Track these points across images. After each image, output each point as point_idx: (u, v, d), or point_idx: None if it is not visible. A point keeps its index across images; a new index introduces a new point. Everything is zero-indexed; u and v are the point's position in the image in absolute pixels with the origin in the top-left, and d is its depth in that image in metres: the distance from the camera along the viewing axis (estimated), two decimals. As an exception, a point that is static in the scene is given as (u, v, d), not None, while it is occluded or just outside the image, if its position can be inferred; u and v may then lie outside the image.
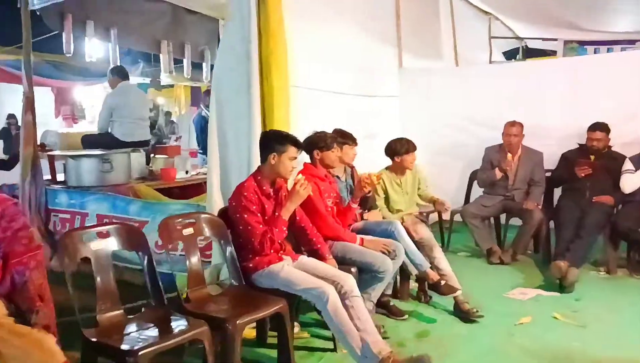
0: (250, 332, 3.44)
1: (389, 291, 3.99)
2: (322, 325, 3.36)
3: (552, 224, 5.18)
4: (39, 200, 5.37)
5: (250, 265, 3.11)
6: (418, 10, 6.72)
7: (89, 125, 9.09)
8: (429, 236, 4.21)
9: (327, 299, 2.92)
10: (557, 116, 5.69)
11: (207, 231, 3.10)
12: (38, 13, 5.68)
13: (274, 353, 3.10)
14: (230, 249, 3.10)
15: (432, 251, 4.14)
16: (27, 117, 5.43)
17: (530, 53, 9.75)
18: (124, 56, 9.86)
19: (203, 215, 3.16)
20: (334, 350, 3.34)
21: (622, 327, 3.72)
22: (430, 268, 4.00)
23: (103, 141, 5.90)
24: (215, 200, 3.94)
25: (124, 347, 2.28)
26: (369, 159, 4.65)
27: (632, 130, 5.30)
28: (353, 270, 3.45)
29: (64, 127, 10.54)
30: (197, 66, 8.01)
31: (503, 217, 5.60)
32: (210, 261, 4.02)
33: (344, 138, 4.04)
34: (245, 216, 3.04)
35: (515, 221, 5.41)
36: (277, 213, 3.13)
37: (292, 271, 3.08)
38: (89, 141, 6.05)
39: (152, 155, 6.32)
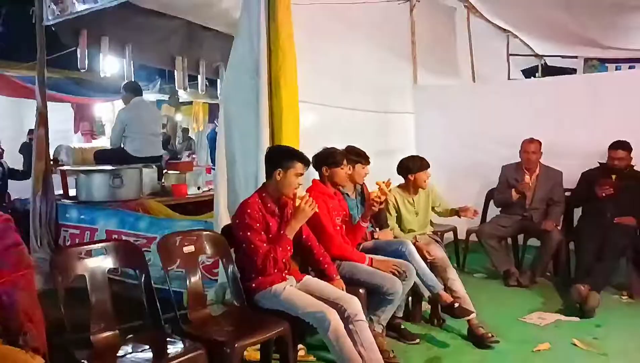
0: (254, 354, 3.32)
1: (400, 314, 3.84)
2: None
3: (572, 245, 4.99)
4: (49, 215, 5.36)
5: (253, 285, 3.00)
6: (433, 27, 6.64)
7: (108, 141, 9.14)
8: (443, 256, 4.06)
9: (329, 324, 2.80)
10: (577, 134, 5.51)
11: (208, 250, 3.01)
12: (53, 29, 5.72)
13: (277, 376, 2.98)
14: (232, 268, 3.00)
15: (446, 272, 3.99)
16: (40, 132, 5.46)
17: (550, 71, 9.55)
18: (141, 72, 9.95)
19: (205, 233, 3.07)
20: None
21: (646, 355, 3.53)
22: (444, 290, 3.85)
23: (115, 156, 5.89)
24: (222, 217, 3.86)
25: (116, 370, 2.19)
26: (382, 177, 4.53)
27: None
28: (361, 291, 3.33)
29: (80, 143, 10.63)
30: (213, 83, 8.02)
31: (521, 238, 5.43)
32: (217, 280, 3.93)
33: (357, 156, 3.94)
34: (249, 234, 2.94)
35: (534, 242, 5.24)
36: (282, 232, 3.02)
37: (294, 292, 2.96)
38: (101, 156, 6.04)
39: (164, 171, 6.30)
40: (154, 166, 6.00)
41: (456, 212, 4.53)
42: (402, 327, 3.83)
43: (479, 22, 7.78)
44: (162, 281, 3.40)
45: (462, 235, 5.54)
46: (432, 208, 4.57)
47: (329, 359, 3.38)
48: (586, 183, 5.01)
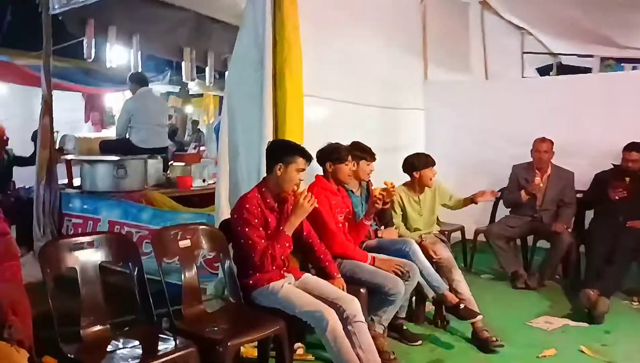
0: (251, 351, 3.26)
1: (403, 314, 3.75)
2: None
3: (582, 248, 4.88)
4: (52, 204, 5.32)
5: (250, 282, 2.93)
6: (446, 22, 6.50)
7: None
8: (449, 256, 3.96)
9: (327, 324, 2.72)
10: (590, 135, 5.37)
11: (205, 244, 2.93)
12: (60, 18, 5.66)
13: (274, 374, 2.91)
14: (228, 263, 2.93)
15: (451, 273, 3.90)
16: (45, 120, 5.40)
17: (565, 70, 9.36)
18: (151, 63, 9.90)
19: (201, 227, 2.99)
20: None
21: (656, 364, 3.42)
22: (449, 290, 3.76)
23: (120, 147, 5.84)
24: (223, 210, 3.78)
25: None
26: (390, 174, 4.42)
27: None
28: (362, 290, 3.24)
29: (90, 132, 10.62)
30: (222, 75, 7.93)
31: (530, 239, 5.31)
32: (218, 274, 3.86)
33: (361, 152, 3.83)
34: (247, 229, 2.86)
35: (543, 244, 5.12)
36: (281, 228, 2.94)
37: (292, 290, 2.88)
38: (106, 146, 5.99)
39: (170, 162, 6.25)
40: (159, 157, 5.92)
41: (471, 200, 4.40)
42: (405, 327, 3.74)
43: (492, 18, 7.64)
44: (164, 274, 3.36)
45: (470, 235, 5.44)
46: (444, 204, 4.46)
47: (328, 359, 3.27)
48: (599, 185, 4.89)
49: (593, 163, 5.11)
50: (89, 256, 2.44)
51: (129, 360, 2.18)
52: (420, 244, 3.89)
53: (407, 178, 4.32)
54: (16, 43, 8.63)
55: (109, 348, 2.32)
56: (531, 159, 5.11)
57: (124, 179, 5.34)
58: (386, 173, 4.40)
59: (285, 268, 3.04)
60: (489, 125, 5.93)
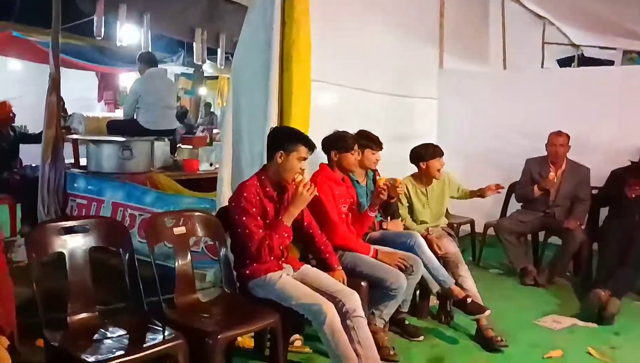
0: (248, 341, 3.19)
1: (406, 308, 3.63)
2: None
3: (595, 246, 4.72)
4: (57, 183, 5.26)
5: (247, 272, 2.84)
6: (464, 9, 6.31)
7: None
8: (455, 251, 3.85)
9: (324, 318, 2.63)
10: (608, 130, 5.21)
11: (200, 231, 2.85)
12: (71, -6, 5.60)
13: (270, 366, 2.83)
14: (224, 252, 2.84)
15: (457, 269, 3.79)
16: (52, 98, 5.33)
17: (586, 63, 9.13)
18: (164, 43, 9.81)
19: (197, 214, 2.90)
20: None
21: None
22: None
23: (127, 127, 5.76)
24: (225, 196, 3.69)
25: (85, 357, 2.04)
26: (400, 164, 4.31)
27: (691, 149, 4.79)
28: (363, 284, 3.15)
29: (103, 112, 10.60)
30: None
31: (542, 235, 5.17)
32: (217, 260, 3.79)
33: (367, 140, 3.70)
34: (244, 218, 2.77)
35: (555, 240, 4.98)
36: (279, 218, 2.84)
37: (290, 282, 2.79)
38: (113, 126, 5.93)
39: (178, 145, 6.18)
40: (166, 140, 5.84)
41: (478, 194, 4.31)
42: (407, 322, 3.64)
43: (514, 6, 7.43)
44: (164, 258, 3.28)
45: (479, 228, 5.31)
46: (452, 196, 4.35)
47: (326, 352, 3.19)
48: (615, 182, 4.72)
49: (610, 159, 4.95)
50: (77, 241, 2.37)
51: (114, 350, 2.11)
52: (425, 237, 3.78)
53: (416, 170, 4.18)
54: (30, 19, 8.59)
55: (96, 336, 2.25)
56: (546, 153, 4.95)
57: (129, 160, 5.27)
58: (396, 163, 4.31)
59: (283, 259, 2.95)
60: (504, 116, 5.77)
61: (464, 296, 3.52)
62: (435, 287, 3.70)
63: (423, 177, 4.11)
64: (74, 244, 2.35)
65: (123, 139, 5.34)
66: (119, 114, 8.78)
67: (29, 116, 7.16)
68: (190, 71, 12.26)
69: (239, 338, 3.02)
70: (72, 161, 5.84)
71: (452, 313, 3.83)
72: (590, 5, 6.68)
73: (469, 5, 6.55)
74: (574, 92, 5.47)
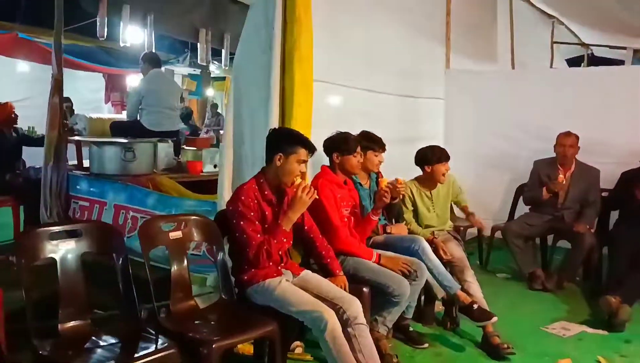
0: (248, 348, 3.11)
1: (410, 315, 3.53)
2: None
3: (605, 250, 4.62)
4: (60, 185, 5.21)
5: (245, 278, 2.76)
6: (471, 8, 6.22)
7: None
8: (461, 256, 3.76)
9: (325, 325, 2.55)
10: (619, 131, 5.09)
11: (197, 236, 2.78)
12: (74, -6, 5.56)
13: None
14: (221, 257, 2.76)
15: (463, 274, 3.70)
16: (54, 99, 5.28)
17: (596, 62, 9.01)
18: (170, 44, 9.77)
19: (193, 217, 2.83)
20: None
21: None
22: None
23: (130, 129, 5.72)
24: (226, 199, 3.60)
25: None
26: (406, 166, 4.22)
27: None
28: (365, 290, 3.06)
29: (110, 113, 10.57)
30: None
31: (550, 239, 5.06)
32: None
33: (369, 142, 3.61)
34: (241, 223, 2.69)
35: (564, 244, 4.87)
36: (277, 222, 2.76)
37: (289, 288, 2.71)
38: (117, 128, 5.88)
39: (182, 146, 6.13)
40: (169, 141, 5.79)
41: (467, 213, 4.31)
42: (411, 328, 3.56)
43: (522, 5, 7.35)
44: (167, 261, 3.22)
45: (486, 231, 5.21)
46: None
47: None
48: (625, 184, 4.61)
49: (620, 161, 4.84)
50: (69, 247, 2.30)
51: (105, 360, 2.04)
52: (431, 242, 3.70)
53: (421, 172, 4.10)
54: (36, 21, 8.57)
55: (87, 345, 2.18)
56: (554, 155, 4.85)
57: (131, 162, 5.21)
58: (401, 165, 4.22)
59: (282, 264, 2.87)
60: (512, 117, 5.67)
61: (470, 302, 3.43)
62: (440, 293, 3.62)
63: (427, 180, 4.02)
64: (66, 249, 2.29)
65: (125, 140, 5.29)
66: (108, 115, 8.77)
67: (37, 117, 7.14)
68: (197, 72, 12.24)
69: (239, 345, 2.95)
70: (76, 162, 5.80)
71: (458, 319, 3.74)
72: (600, 3, 6.58)
73: (476, 3, 6.46)
74: (583, 92, 5.36)
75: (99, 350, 2.15)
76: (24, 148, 5.80)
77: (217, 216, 2.94)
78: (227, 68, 7.27)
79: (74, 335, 2.21)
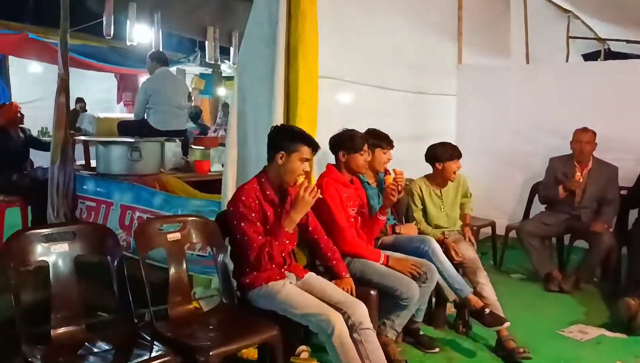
0: (252, 352, 3.01)
1: (420, 318, 3.42)
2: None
3: (624, 250, 4.47)
4: (66, 185, 5.17)
5: (247, 281, 2.66)
6: (484, 2, 6.07)
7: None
8: (473, 257, 3.63)
9: (332, 330, 2.44)
10: (637, 126, 4.92)
11: (197, 238, 2.68)
12: (80, -8, 5.52)
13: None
14: (222, 259, 2.66)
15: (476, 276, 3.57)
16: (61, 99, 5.23)
17: (613, 57, 8.79)
18: (180, 43, 9.72)
19: (192, 218, 2.72)
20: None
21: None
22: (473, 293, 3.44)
23: (138, 128, 5.64)
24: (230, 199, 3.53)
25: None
26: (417, 164, 4.10)
27: None
28: (372, 292, 2.95)
29: (123, 113, 10.56)
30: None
31: (567, 238, 4.91)
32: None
33: (377, 139, 3.49)
34: (242, 224, 2.59)
35: (581, 244, 4.73)
36: (280, 224, 2.65)
37: (293, 292, 2.60)
38: (124, 127, 5.80)
39: (190, 146, 6.06)
40: (177, 140, 5.71)
41: (463, 220, 4.11)
42: (421, 332, 3.43)
43: (537, -1, 7.16)
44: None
45: (501, 231, 5.08)
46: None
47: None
48: (645, 182, 4.45)
49: (639, 158, 4.68)
50: (62, 249, 2.21)
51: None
52: (442, 242, 3.58)
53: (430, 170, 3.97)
54: (45, 21, 8.58)
55: (80, 352, 2.09)
56: (571, 152, 4.70)
57: (138, 162, 5.14)
58: (412, 163, 4.10)
59: (286, 267, 2.77)
60: (527, 113, 5.53)
61: (481, 306, 3.30)
62: (451, 295, 3.49)
63: (438, 178, 3.89)
64: (58, 252, 2.20)
65: (132, 140, 5.22)
66: (116, 114, 8.73)
67: (51, 118, 7.13)
68: (209, 71, 12.19)
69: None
70: (83, 162, 5.76)
71: (471, 322, 3.61)
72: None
73: (490, -3, 6.31)
74: (600, 87, 5.19)
75: (91, 358, 2.06)
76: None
77: (219, 217, 2.84)
78: (235, 66, 7.16)
79: (66, 341, 2.13)
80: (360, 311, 2.59)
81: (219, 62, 7.39)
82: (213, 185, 5.40)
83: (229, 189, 3.56)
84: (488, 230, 5.08)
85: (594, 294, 4.48)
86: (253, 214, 2.60)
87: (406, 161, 3.96)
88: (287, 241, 2.65)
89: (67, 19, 5.23)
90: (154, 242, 2.50)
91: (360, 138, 3.28)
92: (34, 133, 7.65)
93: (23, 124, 5.64)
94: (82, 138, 5.67)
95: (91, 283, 2.43)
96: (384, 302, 3.03)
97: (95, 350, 2.12)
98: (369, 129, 3.53)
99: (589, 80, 5.34)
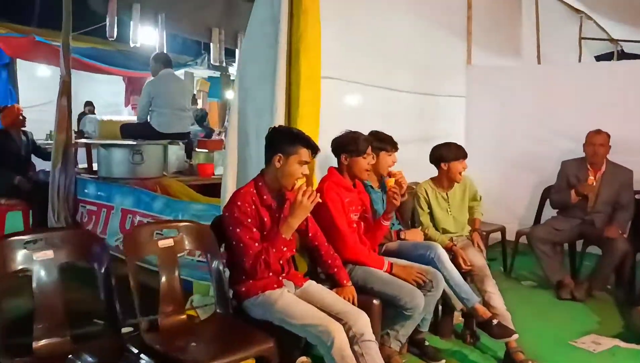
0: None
1: (426, 328, 3.28)
2: None
3: (639, 257, 4.32)
4: (67, 189, 5.11)
5: (243, 289, 2.55)
6: (494, 1, 5.93)
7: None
8: (481, 264, 3.49)
9: (332, 342, 2.31)
10: (653, 129, 4.76)
11: (190, 244, 2.56)
12: (84, -6, 5.47)
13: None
14: (216, 266, 2.55)
15: (484, 284, 3.44)
16: (62, 101, 5.18)
17: (626, 58, 8.60)
18: (187, 45, 9.66)
19: (185, 224, 2.61)
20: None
21: None
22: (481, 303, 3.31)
23: (141, 131, 5.57)
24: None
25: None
26: (425, 167, 3.97)
27: None
28: (375, 302, 2.82)
29: (131, 116, 10.52)
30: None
31: (579, 244, 4.75)
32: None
33: (380, 142, 3.37)
34: (238, 230, 2.47)
35: (594, 250, 4.56)
36: (276, 230, 2.53)
37: (291, 301, 2.48)
38: (127, 130, 5.73)
39: (195, 149, 5.98)
40: (180, 143, 5.63)
41: (473, 225, 3.95)
42: (427, 342, 3.29)
43: (549, 0, 7.00)
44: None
45: (511, 236, 4.93)
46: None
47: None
48: (661, 186, 4.30)
49: (654, 161, 4.51)
50: (46, 256, 2.11)
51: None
52: (450, 248, 3.45)
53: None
54: (52, 24, 8.53)
55: (67, 364, 1.99)
56: (583, 155, 4.55)
57: (140, 165, 5.07)
58: (420, 166, 3.98)
59: (284, 274, 2.65)
60: (538, 115, 5.37)
61: (489, 317, 3.16)
62: (458, 304, 3.36)
63: (444, 180, 3.76)
64: (42, 259, 2.09)
65: (134, 143, 5.14)
66: (120, 117, 8.66)
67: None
68: (217, 74, 12.13)
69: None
70: (86, 166, 5.69)
71: (479, 332, 3.47)
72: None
73: (500, -4, 6.17)
74: (614, 88, 5.04)
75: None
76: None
77: (214, 222, 2.72)
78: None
79: (49, 353, 2.02)
80: (362, 322, 2.47)
81: (224, 64, 7.28)
82: (217, 189, 5.32)
83: (229, 192, 3.44)
84: (498, 235, 4.93)
85: (608, 302, 4.32)
86: (249, 220, 2.48)
87: (414, 164, 3.85)
88: (285, 248, 2.53)
89: (69, 21, 5.18)
90: (145, 249, 2.39)
91: (363, 140, 3.15)
92: (42, 136, 7.64)
93: (25, 127, 5.58)
94: (83, 140, 5.59)
95: (77, 292, 2.32)
96: (388, 312, 2.90)
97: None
98: (372, 131, 3.41)
99: (602, 81, 5.18)
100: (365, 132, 3.32)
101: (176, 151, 5.61)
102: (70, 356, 2.04)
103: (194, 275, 3.76)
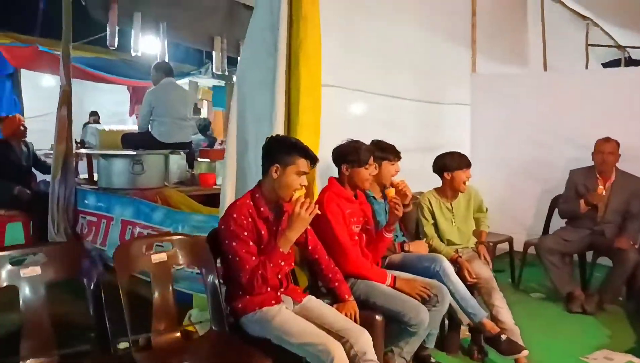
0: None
1: (432, 344, 3.17)
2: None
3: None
4: (67, 200, 5.04)
5: (239, 305, 2.45)
6: (499, 8, 5.84)
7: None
8: (488, 277, 3.38)
9: (332, 361, 2.20)
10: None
11: (184, 258, 2.47)
12: (83, 3, 5.42)
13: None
14: (211, 281, 2.46)
15: (491, 297, 3.33)
16: (62, 111, 5.12)
17: (634, 65, 8.51)
18: (190, 54, 9.61)
19: (179, 237, 2.53)
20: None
21: None
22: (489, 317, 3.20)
23: (142, 141, 5.50)
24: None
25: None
26: (429, 177, 3.87)
27: None
28: (378, 317, 2.71)
29: (135, 125, 10.48)
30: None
31: (589, 255, 4.62)
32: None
33: (383, 151, 3.27)
34: (234, 244, 2.38)
35: (604, 261, 4.44)
36: (274, 244, 2.44)
37: (289, 318, 2.38)
38: (128, 140, 5.66)
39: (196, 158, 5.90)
40: (181, 153, 5.55)
41: (479, 238, 3.82)
42: (433, 359, 3.19)
43: (554, 6, 6.91)
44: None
45: (519, 247, 4.81)
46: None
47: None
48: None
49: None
50: (33, 273, 2.02)
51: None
52: (455, 261, 3.34)
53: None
54: (55, 34, 8.52)
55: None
56: (592, 163, 4.44)
57: (140, 175, 4.98)
58: (424, 176, 3.88)
59: (283, 290, 2.55)
60: (545, 122, 5.25)
61: (497, 333, 3.06)
62: (465, 318, 3.25)
63: (447, 190, 3.66)
64: (29, 276, 2.01)
65: (134, 153, 5.06)
66: (121, 126, 8.61)
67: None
68: (221, 83, 12.08)
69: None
70: (87, 176, 5.63)
71: (487, 347, 3.36)
72: (637, 3, 6.15)
73: (505, 3, 6.08)
74: (622, 95, 4.91)
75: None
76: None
77: (210, 235, 2.63)
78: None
79: (36, 374, 1.94)
80: (364, 340, 2.36)
81: (226, 73, 7.21)
82: (219, 199, 5.24)
83: (227, 202, 3.36)
84: (505, 245, 4.83)
85: (619, 315, 4.19)
86: (245, 233, 2.39)
87: (418, 174, 3.77)
88: (283, 262, 2.43)
89: (69, 30, 5.13)
90: (137, 264, 2.30)
91: (365, 150, 3.05)
92: (47, 146, 7.60)
93: (26, 137, 5.53)
94: (82, 150, 5.53)
95: (67, 307, 2.23)
96: (391, 328, 2.80)
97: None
98: (374, 141, 3.32)
99: (610, 87, 5.06)
100: (368, 141, 3.24)
101: (177, 161, 5.52)
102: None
103: (194, 287, 3.66)
